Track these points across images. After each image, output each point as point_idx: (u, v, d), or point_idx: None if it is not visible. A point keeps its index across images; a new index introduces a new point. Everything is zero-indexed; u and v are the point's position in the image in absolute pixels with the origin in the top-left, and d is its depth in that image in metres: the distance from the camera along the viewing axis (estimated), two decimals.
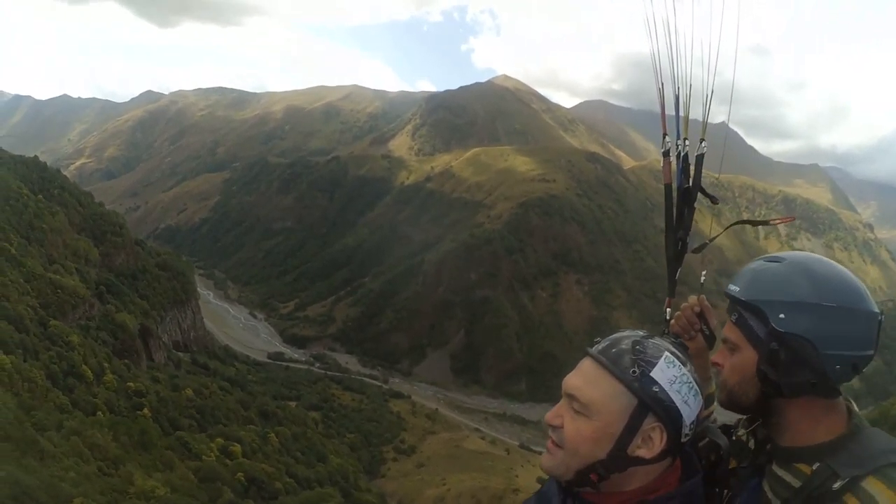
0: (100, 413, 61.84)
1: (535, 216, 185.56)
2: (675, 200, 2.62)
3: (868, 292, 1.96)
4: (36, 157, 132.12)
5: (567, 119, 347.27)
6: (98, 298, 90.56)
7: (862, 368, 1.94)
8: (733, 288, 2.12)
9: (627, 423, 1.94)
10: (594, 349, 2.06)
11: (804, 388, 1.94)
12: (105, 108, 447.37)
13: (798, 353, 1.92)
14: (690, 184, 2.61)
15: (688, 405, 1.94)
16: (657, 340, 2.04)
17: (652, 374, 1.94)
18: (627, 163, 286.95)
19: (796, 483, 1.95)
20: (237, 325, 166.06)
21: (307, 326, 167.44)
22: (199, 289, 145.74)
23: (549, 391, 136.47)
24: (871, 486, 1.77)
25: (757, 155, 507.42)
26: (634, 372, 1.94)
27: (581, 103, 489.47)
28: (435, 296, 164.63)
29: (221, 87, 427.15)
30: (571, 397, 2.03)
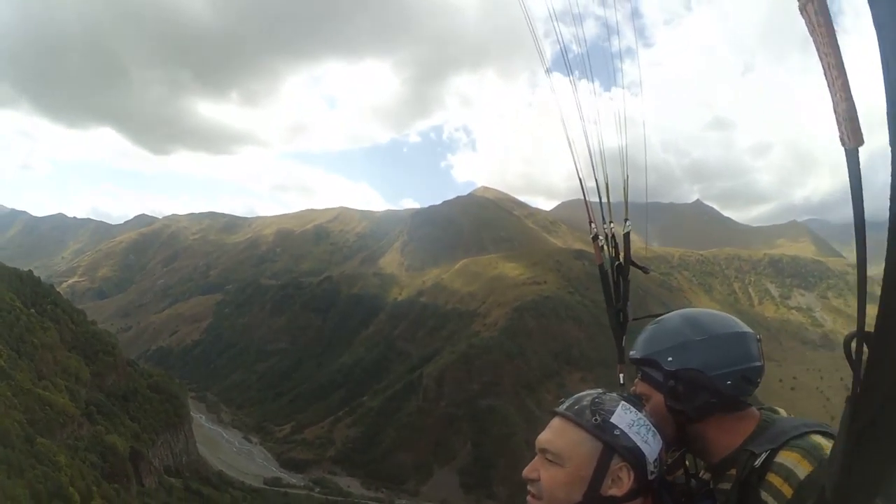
0: None
1: (531, 319, 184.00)
2: (611, 278, 3.00)
3: (737, 320, 2.39)
4: (30, 271, 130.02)
5: (549, 221, 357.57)
6: (87, 418, 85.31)
7: (756, 378, 2.31)
8: (632, 353, 2.51)
9: (596, 466, 2.15)
10: (560, 408, 2.33)
11: (709, 409, 2.29)
12: (99, 229, 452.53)
13: (692, 382, 2.29)
14: (621, 260, 3.03)
15: (648, 444, 2.18)
16: (613, 394, 2.33)
17: (612, 419, 2.18)
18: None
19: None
20: (231, 450, 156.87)
21: (305, 449, 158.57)
22: (191, 412, 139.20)
23: None
24: (786, 458, 2.04)
25: (736, 224, 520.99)
26: (596, 419, 2.18)
27: (559, 204, 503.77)
28: (438, 410, 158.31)
29: (213, 212, 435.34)
30: (544, 451, 2.27)
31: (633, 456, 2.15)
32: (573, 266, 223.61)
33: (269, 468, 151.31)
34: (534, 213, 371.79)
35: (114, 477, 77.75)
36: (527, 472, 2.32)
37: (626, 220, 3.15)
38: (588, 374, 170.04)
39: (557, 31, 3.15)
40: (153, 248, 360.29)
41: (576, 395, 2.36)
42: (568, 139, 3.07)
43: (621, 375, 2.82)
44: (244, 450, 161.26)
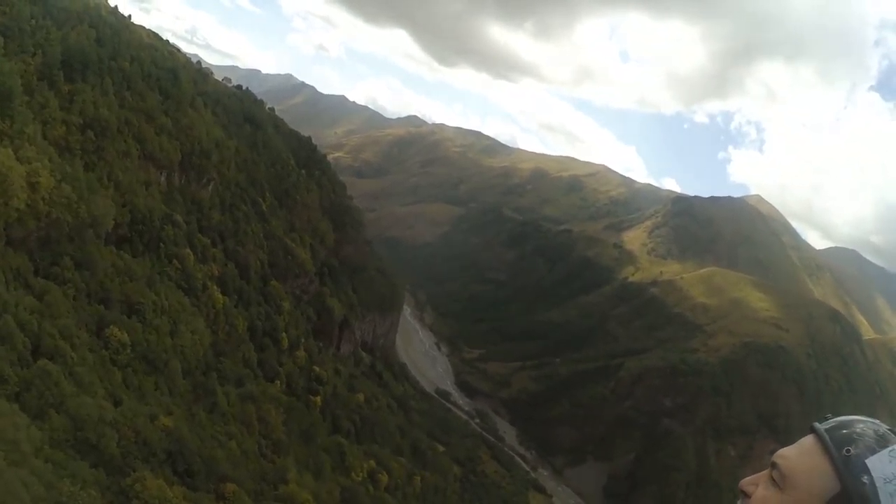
0: (278, 382, 63.38)
1: (755, 364, 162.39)
2: None
3: None
4: (310, 137, 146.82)
5: (815, 264, 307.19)
6: (318, 277, 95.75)
7: None
8: None
9: None
10: (820, 424, 1.96)
11: None
12: (373, 118, 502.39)
13: None
14: None
15: None
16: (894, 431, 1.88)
17: (867, 461, 1.76)
18: (867, 331, 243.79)
19: None
20: (420, 349, 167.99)
21: (483, 380, 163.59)
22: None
23: None
24: None
25: None
26: (848, 451, 1.78)
27: (831, 248, 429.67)
28: (620, 406, 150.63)
29: (478, 132, 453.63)
30: (774, 465, 1.95)
31: None
32: (824, 328, 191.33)
33: (445, 381, 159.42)
34: (801, 246, 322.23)
35: (320, 335, 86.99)
36: (745, 483, 2.01)
37: None
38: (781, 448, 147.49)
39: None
40: (415, 147, 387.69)
41: (851, 417, 1.95)
42: None
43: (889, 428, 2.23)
44: (431, 354, 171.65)
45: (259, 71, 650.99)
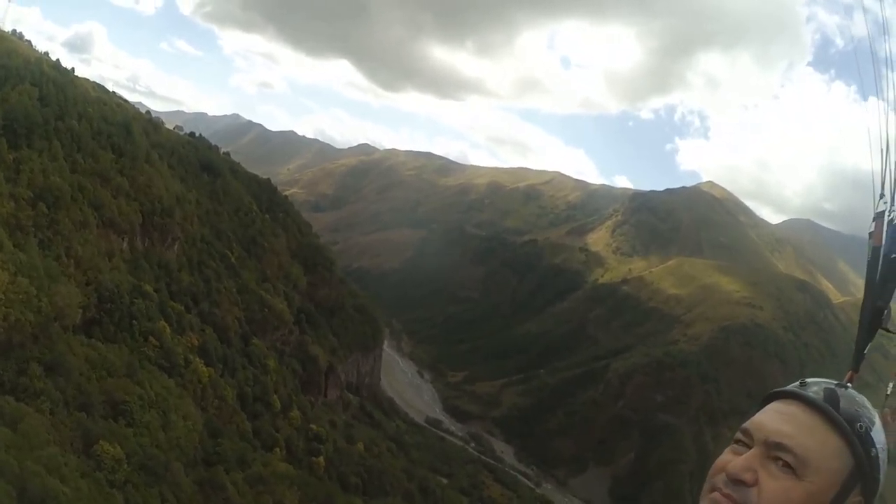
0: (277, 449, 59.72)
1: (736, 345, 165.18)
2: (880, 267, 2.35)
3: None
4: (269, 179, 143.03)
5: (774, 238, 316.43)
6: (297, 326, 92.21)
7: None
8: None
9: (839, 492, 1.66)
10: (809, 392, 1.81)
11: None
12: (324, 150, 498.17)
13: None
14: None
15: (883, 478, 1.73)
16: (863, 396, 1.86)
17: (872, 433, 1.71)
18: (835, 296, 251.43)
19: None
20: (403, 380, 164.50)
21: (471, 402, 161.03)
22: None
23: None
24: None
25: None
26: (861, 427, 1.69)
27: (787, 220, 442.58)
28: (613, 409, 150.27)
29: (430, 153, 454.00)
30: (779, 447, 1.70)
31: (872, 491, 1.68)
32: (794, 299, 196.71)
33: (433, 408, 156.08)
34: (759, 223, 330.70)
35: (308, 386, 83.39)
36: (739, 469, 1.70)
37: None
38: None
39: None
40: (370, 175, 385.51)
41: (824, 382, 1.85)
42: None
43: (849, 385, 2.18)
44: (414, 383, 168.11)
45: (205, 114, 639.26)
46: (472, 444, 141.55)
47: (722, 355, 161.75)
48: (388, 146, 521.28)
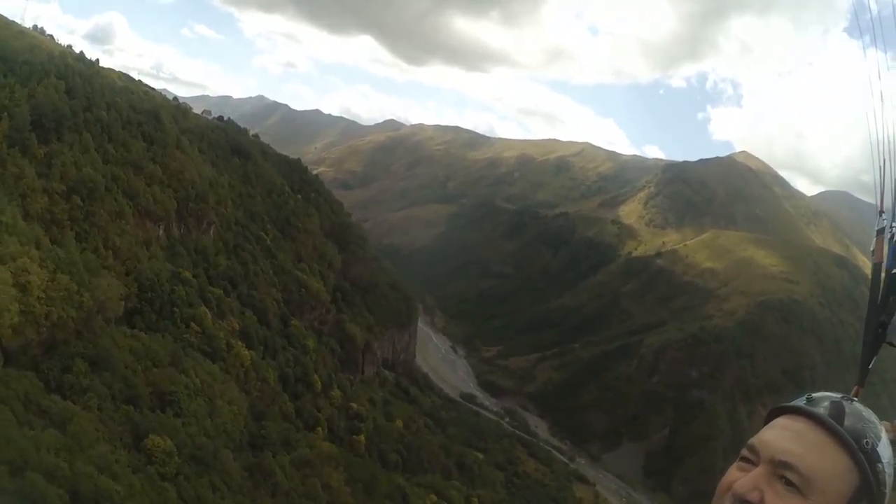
0: (319, 429, 60.80)
1: (773, 321, 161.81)
2: (882, 283, 2.45)
3: None
4: (299, 159, 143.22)
5: (810, 211, 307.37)
6: (334, 304, 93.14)
7: None
8: None
9: None
10: (815, 409, 1.77)
11: None
12: (350, 128, 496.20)
13: None
14: None
15: (890, 492, 1.72)
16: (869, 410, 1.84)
17: (879, 448, 1.69)
18: None
19: None
20: (437, 355, 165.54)
21: (505, 377, 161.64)
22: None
23: None
24: None
25: None
26: (868, 443, 1.67)
27: (823, 192, 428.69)
28: (647, 384, 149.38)
29: (457, 127, 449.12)
30: (785, 466, 1.68)
31: None
32: (832, 274, 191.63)
33: (468, 383, 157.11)
34: (794, 195, 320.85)
35: (346, 364, 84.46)
36: (745, 489, 1.69)
37: None
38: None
39: None
40: (398, 151, 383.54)
41: (831, 397, 1.82)
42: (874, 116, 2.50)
43: (854, 399, 2.11)
44: (449, 358, 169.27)
45: (230, 97, 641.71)
46: (507, 419, 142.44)
47: (757, 331, 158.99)
48: (415, 121, 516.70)
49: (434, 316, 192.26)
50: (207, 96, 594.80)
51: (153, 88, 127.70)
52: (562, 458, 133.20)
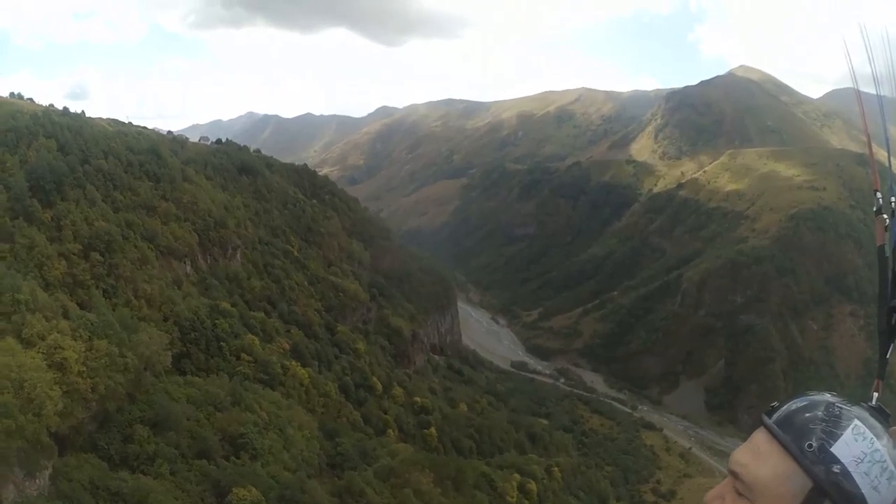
0: (390, 431, 60.03)
1: (807, 231, 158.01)
2: (891, 266, 2.23)
3: None
4: (305, 164, 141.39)
5: (822, 113, 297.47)
6: (373, 301, 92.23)
7: None
8: None
9: None
10: (769, 418, 1.83)
11: None
12: (344, 124, 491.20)
13: None
14: None
15: (877, 491, 1.65)
16: (849, 407, 1.79)
17: (833, 449, 1.68)
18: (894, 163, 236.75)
19: None
20: (479, 329, 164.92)
21: (551, 338, 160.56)
22: None
23: None
24: None
25: None
26: (811, 446, 1.69)
27: (829, 92, 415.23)
28: (694, 319, 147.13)
29: (450, 99, 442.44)
30: (734, 476, 1.80)
31: None
32: (856, 174, 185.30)
33: (516, 351, 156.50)
34: (802, 100, 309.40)
35: (398, 358, 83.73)
36: (710, 498, 1.85)
37: None
38: (859, 308, 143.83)
39: None
40: (396, 136, 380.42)
41: (794, 401, 1.83)
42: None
43: (875, 395, 2.06)
44: (492, 330, 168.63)
45: (220, 119, 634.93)
46: (562, 380, 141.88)
47: (794, 245, 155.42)
48: (407, 103, 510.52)
49: (468, 292, 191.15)
50: (198, 124, 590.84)
51: (145, 127, 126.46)
52: (624, 408, 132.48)
